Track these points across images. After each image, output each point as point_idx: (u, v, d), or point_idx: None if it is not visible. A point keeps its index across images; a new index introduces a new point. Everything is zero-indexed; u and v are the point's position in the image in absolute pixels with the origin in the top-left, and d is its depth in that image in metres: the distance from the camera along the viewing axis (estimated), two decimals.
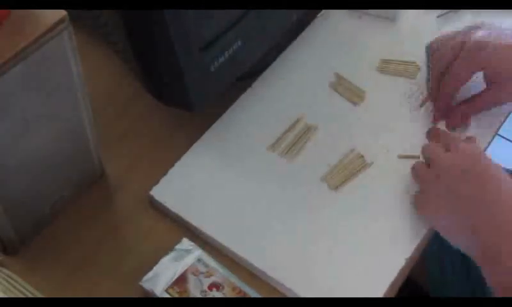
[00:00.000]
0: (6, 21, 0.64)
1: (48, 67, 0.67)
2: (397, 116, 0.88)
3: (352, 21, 0.98)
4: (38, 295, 0.71)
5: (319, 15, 0.98)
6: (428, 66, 0.90)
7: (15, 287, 0.72)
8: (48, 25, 0.65)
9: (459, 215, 0.73)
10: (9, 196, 0.71)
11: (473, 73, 0.83)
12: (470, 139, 0.80)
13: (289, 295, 0.74)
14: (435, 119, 0.86)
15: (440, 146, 0.78)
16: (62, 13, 0.65)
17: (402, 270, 0.76)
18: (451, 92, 0.85)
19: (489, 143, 0.86)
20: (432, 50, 0.88)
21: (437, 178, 0.76)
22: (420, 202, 0.78)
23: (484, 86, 0.86)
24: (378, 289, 0.74)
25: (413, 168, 0.80)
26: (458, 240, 0.75)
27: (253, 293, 0.72)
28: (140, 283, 0.73)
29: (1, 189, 0.70)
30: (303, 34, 0.96)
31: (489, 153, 0.86)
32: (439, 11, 0.98)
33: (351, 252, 0.77)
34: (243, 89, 0.90)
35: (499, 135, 0.89)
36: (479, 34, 0.82)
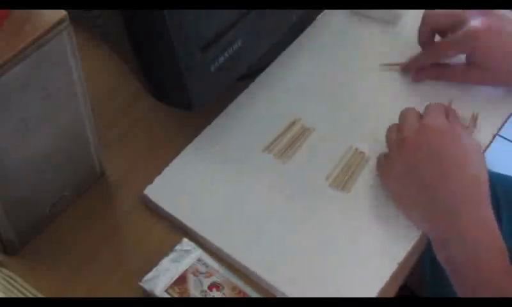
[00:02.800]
0: (6, 21, 0.64)
1: (48, 67, 0.67)
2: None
3: (352, 22, 0.98)
4: (38, 295, 0.71)
5: (319, 17, 0.98)
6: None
7: (15, 287, 0.72)
8: (48, 25, 0.65)
9: (415, 196, 0.76)
10: (9, 196, 0.71)
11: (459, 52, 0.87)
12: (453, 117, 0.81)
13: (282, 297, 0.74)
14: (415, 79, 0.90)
15: (414, 116, 0.79)
16: (62, 13, 0.65)
17: (395, 274, 0.75)
18: (429, 62, 0.89)
19: (489, 143, 0.86)
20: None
21: (400, 149, 0.77)
22: (383, 168, 0.80)
23: None
24: (369, 293, 0.74)
25: (387, 131, 0.81)
26: (410, 215, 0.77)
27: (252, 293, 0.72)
28: (140, 284, 0.73)
29: (1, 189, 0.70)
30: (303, 35, 0.96)
31: (489, 153, 0.86)
32: None
33: (344, 255, 0.76)
34: (243, 90, 0.90)
35: (499, 135, 0.89)
36: (478, 21, 0.83)
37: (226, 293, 0.72)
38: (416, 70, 0.90)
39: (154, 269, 0.73)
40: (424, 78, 0.89)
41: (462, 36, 0.84)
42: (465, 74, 0.88)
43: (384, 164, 0.79)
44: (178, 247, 0.75)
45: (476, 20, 0.84)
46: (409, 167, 0.76)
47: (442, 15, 0.87)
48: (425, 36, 0.90)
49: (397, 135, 0.78)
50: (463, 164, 0.75)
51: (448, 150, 0.76)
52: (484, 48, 0.84)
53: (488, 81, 0.88)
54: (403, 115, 0.80)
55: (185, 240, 0.76)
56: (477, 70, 0.86)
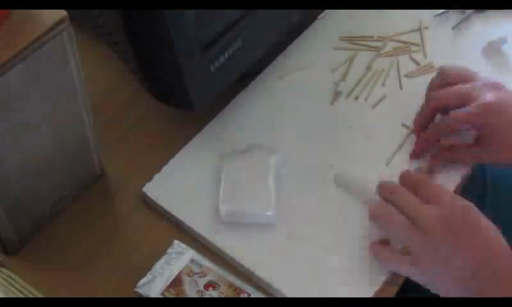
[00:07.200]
0: (6, 21, 0.64)
1: (48, 67, 0.67)
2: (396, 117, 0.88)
3: (352, 23, 0.98)
4: (38, 295, 0.71)
5: (319, 17, 0.98)
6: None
7: (15, 287, 0.72)
8: (48, 25, 0.65)
9: (455, 266, 0.70)
10: (9, 196, 0.71)
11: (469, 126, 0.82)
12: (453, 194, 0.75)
13: (277, 296, 0.74)
14: (415, 155, 0.83)
15: (415, 197, 0.73)
16: (62, 13, 0.65)
17: (394, 274, 0.75)
18: (435, 136, 0.83)
19: None
20: (434, 84, 0.85)
21: (427, 236, 0.71)
22: (409, 259, 0.72)
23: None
24: (366, 293, 0.74)
25: (383, 212, 0.74)
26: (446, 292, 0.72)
27: (250, 290, 0.72)
28: (135, 289, 0.73)
29: (1, 189, 0.70)
30: (303, 34, 0.96)
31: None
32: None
33: (342, 255, 0.76)
34: (243, 89, 0.90)
35: None
36: (490, 95, 0.79)
37: (223, 291, 0.72)
38: (422, 149, 0.84)
39: (148, 274, 0.73)
40: (437, 162, 0.83)
41: (474, 108, 0.79)
42: (475, 153, 0.83)
43: (417, 252, 0.71)
44: (169, 249, 0.75)
45: (487, 94, 0.80)
46: (448, 250, 0.70)
47: (452, 94, 0.82)
48: (428, 117, 0.84)
49: (412, 220, 0.72)
50: (493, 229, 0.71)
51: (480, 223, 0.72)
52: (495, 121, 0.79)
53: (499, 158, 0.82)
54: (401, 195, 0.74)
55: (176, 242, 0.76)
56: (488, 147, 0.81)
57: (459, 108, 0.81)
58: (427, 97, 0.85)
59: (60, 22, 0.65)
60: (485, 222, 0.71)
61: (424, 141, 0.84)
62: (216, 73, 0.81)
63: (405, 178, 0.78)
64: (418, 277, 0.73)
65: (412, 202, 0.73)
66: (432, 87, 0.86)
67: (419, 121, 0.85)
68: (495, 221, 0.72)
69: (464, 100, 0.81)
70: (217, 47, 0.80)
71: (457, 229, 0.70)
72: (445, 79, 0.84)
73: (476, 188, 0.94)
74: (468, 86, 0.82)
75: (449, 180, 0.82)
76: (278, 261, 0.76)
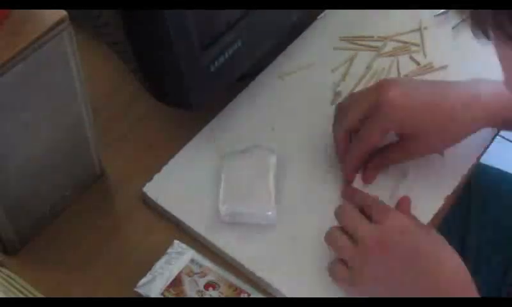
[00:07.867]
0: (6, 21, 0.64)
1: (48, 67, 0.67)
2: None
3: (352, 23, 0.98)
4: (38, 295, 0.71)
5: (319, 17, 0.98)
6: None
7: (15, 287, 0.72)
8: (48, 25, 0.65)
9: (390, 289, 0.70)
10: (9, 196, 0.71)
11: (386, 134, 0.79)
12: (399, 207, 0.77)
13: (277, 296, 0.74)
14: (349, 179, 0.81)
15: (362, 217, 0.73)
16: (62, 13, 0.65)
17: None
18: (362, 154, 0.80)
19: (489, 143, 0.86)
20: (339, 108, 0.82)
21: (364, 255, 0.70)
22: (349, 279, 0.72)
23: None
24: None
25: (331, 237, 0.74)
26: None
27: (250, 290, 0.72)
28: (135, 289, 0.73)
29: (1, 189, 0.70)
30: (303, 34, 0.96)
31: (489, 153, 0.86)
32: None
33: None
34: (243, 89, 0.90)
35: (499, 135, 0.89)
36: (393, 93, 0.76)
37: (223, 291, 0.72)
38: (365, 174, 0.81)
39: (148, 274, 0.73)
40: (373, 178, 0.81)
41: (381, 112, 0.76)
42: (405, 150, 0.80)
43: (350, 273, 0.71)
44: (170, 249, 0.75)
45: (387, 92, 0.76)
46: (383, 271, 0.70)
47: (352, 112, 0.79)
48: (345, 139, 0.81)
49: (355, 240, 0.71)
50: (439, 259, 0.69)
51: (420, 249, 0.70)
52: (410, 119, 0.77)
53: (424, 149, 0.80)
54: (347, 216, 0.74)
55: (176, 242, 0.76)
56: (414, 140, 0.79)
57: None
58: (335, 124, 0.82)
59: (60, 22, 0.65)
60: (426, 246, 0.70)
61: (352, 168, 0.81)
62: (216, 73, 0.81)
63: (352, 197, 0.78)
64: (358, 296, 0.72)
65: (353, 220, 0.72)
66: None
67: (340, 150, 0.82)
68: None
69: (370, 108, 0.77)
70: (217, 47, 0.80)
71: (391, 249, 0.70)
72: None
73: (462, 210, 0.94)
74: (369, 97, 0.79)
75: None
76: (278, 261, 0.76)
